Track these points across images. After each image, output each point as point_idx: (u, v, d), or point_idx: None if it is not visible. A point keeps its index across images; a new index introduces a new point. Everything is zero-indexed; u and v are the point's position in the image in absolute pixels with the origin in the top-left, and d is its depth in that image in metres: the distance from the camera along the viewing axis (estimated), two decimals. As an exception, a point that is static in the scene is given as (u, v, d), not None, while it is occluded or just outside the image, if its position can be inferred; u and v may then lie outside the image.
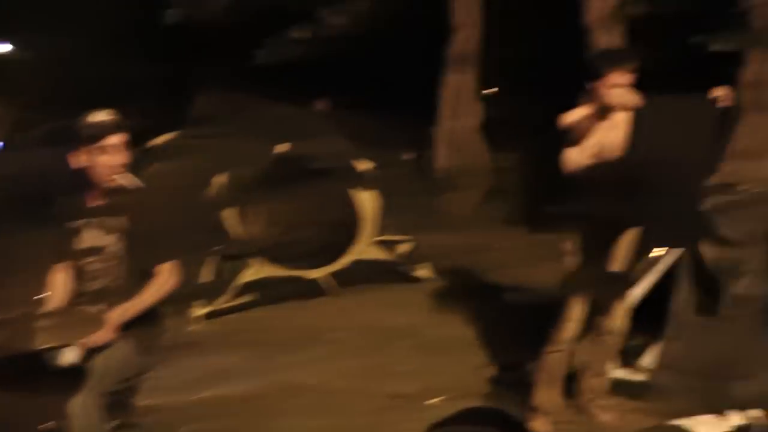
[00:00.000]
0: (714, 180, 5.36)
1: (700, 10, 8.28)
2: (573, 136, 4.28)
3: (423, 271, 8.06)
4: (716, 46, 7.81)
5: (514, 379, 5.36)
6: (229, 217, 7.28)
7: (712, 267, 5.10)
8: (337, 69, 22.68)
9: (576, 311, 4.49)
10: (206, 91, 16.22)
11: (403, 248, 8.01)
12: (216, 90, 16.86)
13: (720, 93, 4.31)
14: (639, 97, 3.98)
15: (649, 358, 5.09)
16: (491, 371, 5.65)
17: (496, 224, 10.84)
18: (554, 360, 4.56)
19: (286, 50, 10.72)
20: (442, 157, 11.56)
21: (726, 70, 9.23)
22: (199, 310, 6.96)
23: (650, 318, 5.36)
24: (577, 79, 4.55)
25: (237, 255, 7.19)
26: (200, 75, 16.68)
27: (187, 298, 6.95)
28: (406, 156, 12.15)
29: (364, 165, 8.09)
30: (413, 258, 8.04)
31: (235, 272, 7.15)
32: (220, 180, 7.26)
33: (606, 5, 9.85)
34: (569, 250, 4.53)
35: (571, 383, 4.74)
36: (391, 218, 8.05)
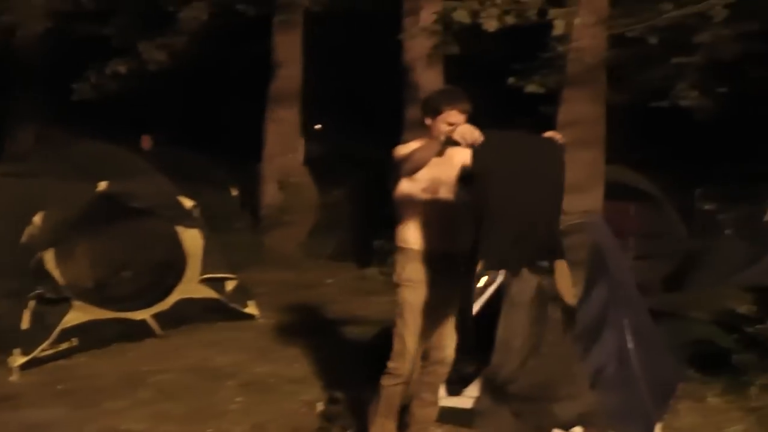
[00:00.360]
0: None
1: (514, 53, 8.70)
2: (406, 169, 4.37)
3: (250, 309, 7.96)
4: (531, 88, 8.21)
5: (345, 413, 5.37)
6: (48, 258, 6.87)
7: (538, 293, 5.29)
8: (159, 105, 22.23)
9: (411, 343, 4.51)
10: (22, 126, 15.54)
11: (230, 286, 7.87)
12: (32, 125, 16.17)
13: (554, 133, 4.55)
14: (478, 133, 4.10)
15: (476, 386, 5.20)
16: (321, 406, 5.63)
17: (324, 260, 10.91)
18: (392, 392, 4.56)
19: (105, 84, 10.32)
20: (269, 194, 11.49)
21: (541, 109, 9.81)
22: (17, 360, 6.48)
23: (478, 345, 5.55)
24: (399, 116, 4.69)
25: (58, 298, 6.78)
26: (15, 109, 15.86)
27: (2, 347, 6.48)
28: (232, 192, 11.98)
29: (187, 203, 7.91)
30: (240, 296, 7.92)
31: (56, 317, 6.73)
32: (37, 220, 6.85)
33: (424, 46, 10.17)
34: (403, 283, 4.52)
35: (402, 413, 4.78)
36: (216, 256, 7.89)
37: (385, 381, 4.57)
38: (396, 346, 4.54)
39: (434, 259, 4.51)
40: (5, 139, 15.64)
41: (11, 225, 7.02)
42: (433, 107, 4.46)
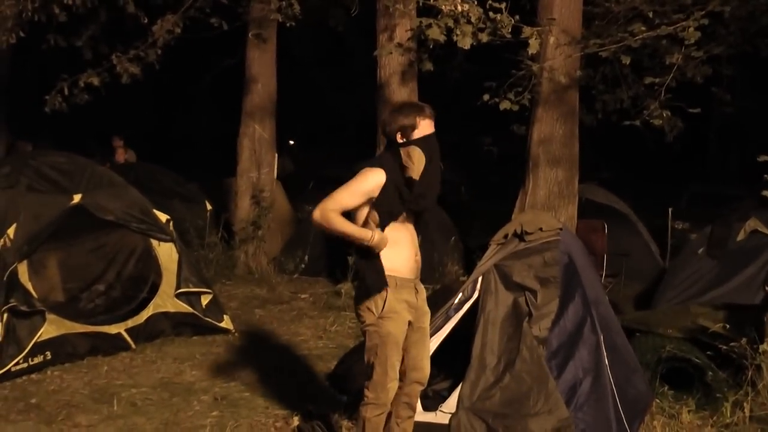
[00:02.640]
0: (511, 228, 5.68)
1: (488, 71, 8.78)
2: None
3: (225, 323, 7.93)
4: (504, 105, 8.29)
5: (320, 427, 5.37)
6: (22, 271, 6.80)
7: (513, 310, 5.34)
8: (131, 119, 22.13)
9: (393, 374, 4.44)
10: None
11: (205, 300, 7.83)
12: (2, 136, 15.99)
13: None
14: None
15: (451, 402, 5.23)
16: (296, 421, 5.62)
17: (297, 275, 10.91)
18: (376, 423, 4.47)
19: (77, 96, 10.23)
20: (242, 209, 11.44)
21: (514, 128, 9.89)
22: (-14, 374, 6.40)
23: (452, 362, 5.58)
24: (373, 132, 4.67)
25: (31, 311, 6.71)
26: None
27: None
28: (206, 207, 11.92)
29: (162, 217, 7.88)
30: (215, 310, 7.89)
31: (29, 330, 6.66)
32: (10, 233, 6.78)
33: (398, 63, 10.22)
34: (386, 315, 4.39)
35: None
36: (191, 270, 7.85)
37: (368, 412, 4.45)
38: (376, 377, 4.42)
39: (410, 281, 4.47)
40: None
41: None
42: (407, 123, 4.42)
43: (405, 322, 4.43)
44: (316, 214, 4.29)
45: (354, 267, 9.54)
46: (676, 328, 6.15)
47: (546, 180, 9.21)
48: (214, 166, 15.13)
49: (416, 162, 4.36)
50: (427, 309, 4.64)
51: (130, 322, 7.40)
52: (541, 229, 5.61)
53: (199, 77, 21.26)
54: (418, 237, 4.56)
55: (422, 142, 4.41)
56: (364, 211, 4.37)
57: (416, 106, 4.54)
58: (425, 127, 4.44)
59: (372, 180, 4.33)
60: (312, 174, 16.41)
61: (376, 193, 4.33)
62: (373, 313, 4.37)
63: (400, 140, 4.42)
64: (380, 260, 4.33)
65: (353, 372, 6.01)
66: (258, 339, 7.94)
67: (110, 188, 7.71)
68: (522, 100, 8.38)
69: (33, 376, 6.61)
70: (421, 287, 4.60)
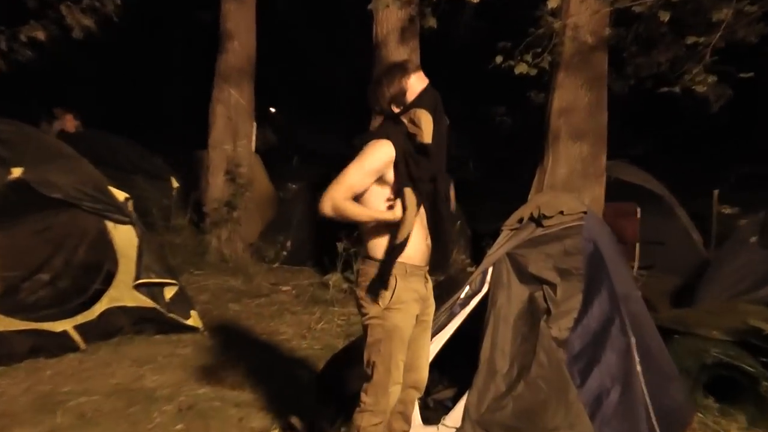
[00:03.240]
0: (526, 211, 5.63)
1: (501, 29, 8.70)
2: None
3: (192, 320, 7.89)
4: (520, 69, 8.21)
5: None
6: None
7: (528, 307, 5.30)
8: (86, 80, 22.02)
9: (398, 375, 4.41)
10: None
11: (169, 293, 7.78)
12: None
13: None
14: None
15: (456, 413, 5.18)
16: (273, 435, 5.60)
17: (279, 264, 10.92)
18: (374, 430, 4.43)
19: (19, 53, 10.09)
20: (215, 186, 11.38)
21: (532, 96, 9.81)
22: None
23: (456, 367, 5.53)
24: (363, 102, 4.64)
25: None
26: None
27: None
28: (172, 184, 11.88)
29: (119, 195, 7.81)
30: (181, 304, 7.84)
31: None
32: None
33: (397, 18, 10.15)
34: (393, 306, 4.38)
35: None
36: (153, 257, 7.80)
37: (365, 421, 4.41)
38: (377, 378, 4.39)
39: (420, 269, 4.47)
40: None
41: None
42: (396, 90, 4.44)
43: (413, 315, 4.46)
44: (325, 206, 4.29)
45: (342, 255, 9.53)
46: (722, 329, 6.09)
47: (568, 156, 9.15)
48: (183, 136, 15.06)
49: (424, 125, 4.36)
50: (433, 300, 4.67)
51: (80, 318, 7.34)
52: (561, 212, 5.60)
53: (168, 33, 21.20)
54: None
55: (421, 101, 4.42)
56: (372, 191, 4.38)
57: (394, 68, 4.56)
58: (416, 83, 4.46)
59: (382, 154, 4.35)
60: (297, 147, 16.38)
61: (387, 170, 4.35)
62: (378, 303, 4.38)
63: (396, 110, 4.46)
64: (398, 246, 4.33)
65: (343, 376, 5.96)
66: (231, 338, 7.91)
67: (59, 161, 7.65)
68: (541, 63, 8.32)
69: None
70: (428, 277, 4.60)
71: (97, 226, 7.80)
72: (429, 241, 4.51)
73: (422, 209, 4.45)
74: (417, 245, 4.41)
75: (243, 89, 11.78)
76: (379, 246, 4.41)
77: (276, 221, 11.57)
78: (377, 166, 4.32)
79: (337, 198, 4.26)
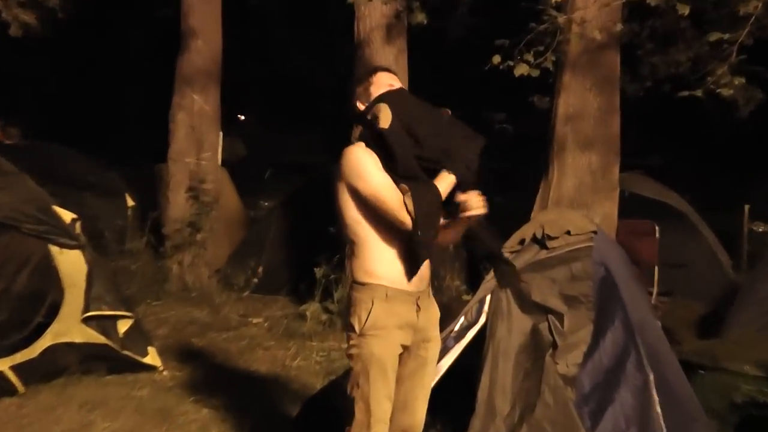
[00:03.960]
0: (529, 231, 5.63)
1: (499, 25, 8.70)
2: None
3: (150, 358, 7.84)
4: (521, 70, 8.23)
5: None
6: None
7: (532, 339, 5.29)
8: (26, 85, 21.99)
9: (380, 411, 4.40)
10: None
11: (123, 327, 7.73)
12: None
13: None
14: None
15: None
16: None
17: (249, 292, 10.91)
18: None
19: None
20: (176, 204, 11.35)
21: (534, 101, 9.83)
22: None
23: (451, 408, 5.51)
24: (344, 109, 4.74)
25: None
26: None
27: None
28: (127, 202, 11.85)
29: (66, 215, 7.78)
30: (137, 340, 7.79)
31: None
32: None
33: (382, 14, 10.16)
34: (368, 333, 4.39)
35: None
36: (105, 286, 7.74)
37: None
38: (358, 416, 4.40)
39: (409, 294, 4.46)
40: None
41: None
42: (362, 87, 4.62)
43: (396, 344, 4.44)
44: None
45: (322, 282, 9.52)
46: (755, 363, 6.09)
47: (576, 168, 9.17)
48: (140, 147, 15.05)
49: (382, 113, 4.43)
50: (435, 335, 4.66)
51: (19, 357, 7.24)
52: (568, 232, 5.63)
53: (122, 31, 21.20)
54: None
55: (383, 98, 4.52)
56: (356, 199, 4.43)
57: (366, 68, 4.79)
58: (379, 82, 4.60)
59: (366, 157, 4.43)
60: (270, 159, 16.39)
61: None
62: (355, 330, 4.42)
63: (362, 108, 4.59)
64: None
65: (322, 420, 5.95)
66: (195, 378, 7.87)
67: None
68: (544, 64, 8.33)
69: None
70: (431, 304, 4.62)
71: (40, 251, 7.69)
72: (426, 266, 4.52)
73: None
74: (398, 265, 4.42)
75: (208, 94, 11.77)
76: (361, 266, 4.44)
77: (246, 244, 11.55)
78: (378, 169, 4.39)
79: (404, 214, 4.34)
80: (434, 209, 4.36)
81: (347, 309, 4.51)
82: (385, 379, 4.40)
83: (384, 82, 4.57)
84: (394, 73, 4.68)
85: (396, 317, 4.40)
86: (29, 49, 12.70)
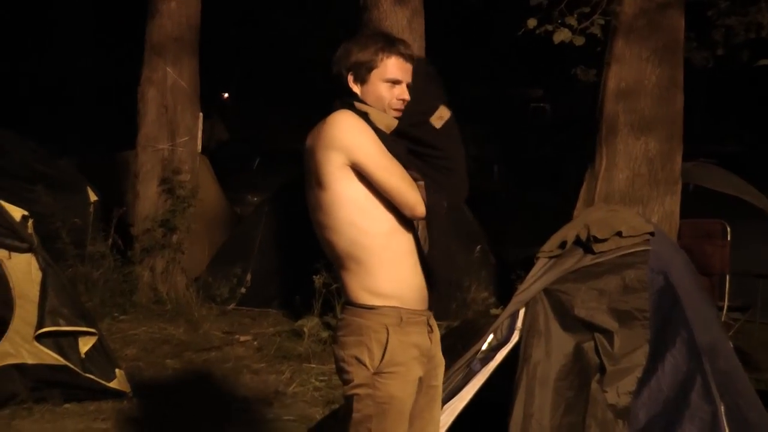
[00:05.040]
0: (571, 232, 5.64)
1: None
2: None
3: (117, 383, 7.87)
4: (562, 37, 8.24)
5: None
6: None
7: (575, 363, 5.29)
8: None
9: None
10: None
11: (85, 345, 7.77)
12: None
13: None
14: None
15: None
16: None
17: (234, 305, 10.94)
18: None
19: None
20: (146, 199, 11.38)
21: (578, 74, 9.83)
22: None
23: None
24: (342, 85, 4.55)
25: None
26: None
27: None
28: (89, 198, 11.86)
29: (15, 212, 7.82)
30: (101, 361, 7.82)
31: None
32: None
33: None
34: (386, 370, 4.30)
35: None
36: (63, 297, 7.78)
37: None
38: None
39: (422, 315, 4.44)
40: None
41: None
42: (362, 60, 4.40)
43: (414, 381, 4.39)
44: (421, 210, 4.30)
45: (321, 293, 9.54)
46: None
47: (629, 156, 9.19)
48: (101, 132, 15.08)
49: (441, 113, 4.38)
50: (441, 358, 4.60)
51: (-38, 381, 7.32)
52: (619, 233, 5.60)
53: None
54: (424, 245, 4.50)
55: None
56: (353, 185, 4.30)
57: (383, 36, 4.54)
58: (391, 69, 4.39)
59: (363, 123, 4.29)
60: (257, 146, 16.42)
61: None
62: (365, 366, 4.32)
63: (352, 85, 4.40)
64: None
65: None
66: (170, 407, 7.89)
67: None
68: (591, 29, 8.32)
69: None
70: (434, 323, 4.55)
71: (-14, 255, 7.80)
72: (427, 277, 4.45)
73: (413, 230, 4.41)
74: (410, 280, 4.38)
75: (183, 67, 11.79)
76: (365, 286, 4.33)
77: (230, 247, 11.59)
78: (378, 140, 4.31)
79: (419, 200, 4.28)
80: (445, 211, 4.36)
81: (344, 336, 4.38)
82: (402, 424, 4.36)
83: (389, 74, 4.37)
84: (410, 58, 4.45)
85: (413, 348, 4.36)
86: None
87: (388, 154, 4.21)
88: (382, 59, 4.36)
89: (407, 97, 4.33)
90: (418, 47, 10.14)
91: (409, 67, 4.39)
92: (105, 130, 15.06)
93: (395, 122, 4.33)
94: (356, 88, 4.37)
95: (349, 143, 4.19)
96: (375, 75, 4.36)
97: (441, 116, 4.36)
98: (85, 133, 17.56)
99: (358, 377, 4.32)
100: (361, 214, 4.26)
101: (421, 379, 4.42)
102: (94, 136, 16.09)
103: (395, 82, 4.32)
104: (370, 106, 4.32)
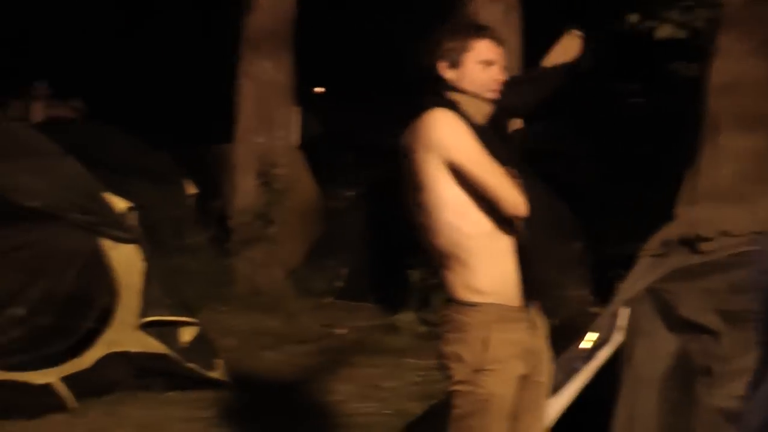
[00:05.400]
0: (675, 231, 5.59)
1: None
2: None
3: (216, 372, 7.95)
4: (663, 33, 8.16)
5: None
6: None
7: (680, 363, 5.25)
8: (63, 52, 22.24)
9: None
10: None
11: (187, 335, 7.86)
12: None
13: None
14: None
15: None
16: None
17: (329, 298, 11.01)
18: None
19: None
20: (244, 192, 11.44)
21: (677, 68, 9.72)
22: None
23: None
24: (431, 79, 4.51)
25: None
26: None
27: None
28: (186, 190, 11.96)
29: (119, 204, 7.92)
30: (202, 351, 7.92)
31: None
32: None
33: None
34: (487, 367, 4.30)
35: None
36: (163, 288, 7.89)
37: None
38: None
39: (523, 311, 4.42)
40: None
41: None
42: (455, 45, 4.36)
43: (515, 379, 4.37)
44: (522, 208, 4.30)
45: (418, 287, 9.52)
46: None
47: (734, 152, 9.04)
48: (200, 125, 15.18)
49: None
50: (549, 354, 4.60)
51: (69, 368, 7.42)
52: (725, 232, 5.51)
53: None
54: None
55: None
56: (453, 186, 4.28)
57: (472, 23, 4.58)
58: (485, 50, 4.37)
59: (459, 121, 4.26)
60: (349, 140, 16.43)
61: None
62: (466, 362, 4.33)
63: (446, 72, 4.35)
64: None
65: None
66: (267, 398, 7.95)
67: (36, 160, 7.78)
68: (694, 22, 8.21)
69: None
70: (540, 319, 4.54)
71: (90, 246, 7.86)
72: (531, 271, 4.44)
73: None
74: (511, 277, 4.36)
75: (279, 60, 11.84)
76: (466, 283, 4.32)
77: (326, 240, 11.59)
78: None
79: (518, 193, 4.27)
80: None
81: (446, 333, 4.38)
82: (502, 422, 4.34)
83: (487, 53, 4.36)
84: (501, 42, 4.44)
85: (514, 345, 4.34)
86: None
87: (486, 152, 4.19)
88: (474, 42, 4.35)
89: (503, 77, 4.32)
90: (514, 42, 10.12)
91: (500, 50, 4.37)
92: (201, 123, 15.12)
93: (488, 108, 4.32)
94: (450, 74, 4.33)
95: (447, 143, 4.18)
96: (468, 58, 4.33)
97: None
98: (183, 126, 17.70)
99: (459, 374, 4.33)
100: (462, 216, 4.25)
101: (526, 376, 4.40)
102: (191, 129, 16.19)
103: (489, 63, 4.30)
104: (465, 93, 4.30)
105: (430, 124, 4.22)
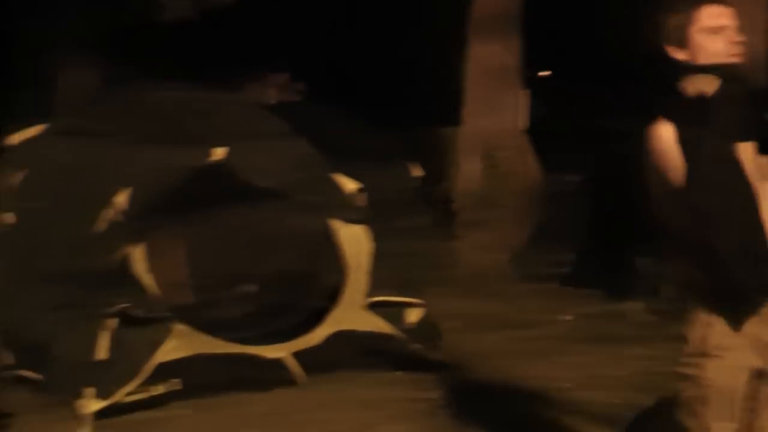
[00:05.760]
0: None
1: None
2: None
3: (437, 354, 7.98)
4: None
5: None
6: (138, 257, 7.10)
7: None
8: (289, 29, 22.61)
9: None
10: (78, 61, 16.00)
11: (412, 316, 7.90)
12: (93, 59, 16.68)
13: None
14: None
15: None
16: None
17: (552, 284, 10.92)
18: None
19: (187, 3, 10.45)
20: (468, 175, 11.43)
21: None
22: (90, 404, 6.73)
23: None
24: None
25: (148, 318, 7.01)
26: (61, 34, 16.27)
27: (72, 385, 6.73)
28: (410, 172, 12.02)
29: (349, 185, 8.00)
30: (426, 332, 7.95)
31: (147, 345, 6.96)
32: (120, 201, 7.10)
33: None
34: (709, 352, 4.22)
35: None
36: (391, 269, 7.94)
37: None
38: None
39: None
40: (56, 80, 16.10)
41: (69, 208, 7.38)
42: (675, 22, 4.19)
43: (743, 369, 4.25)
44: None
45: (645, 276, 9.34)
46: None
47: None
48: (422, 107, 15.21)
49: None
50: None
51: (299, 343, 7.59)
52: None
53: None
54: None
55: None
56: None
57: None
58: (709, 18, 4.18)
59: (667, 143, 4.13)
60: (574, 124, 16.25)
61: None
62: (693, 347, 4.26)
63: (676, 54, 4.20)
64: None
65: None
66: (489, 382, 7.93)
67: (269, 140, 7.95)
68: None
69: (151, 413, 6.91)
70: None
71: (318, 226, 8.00)
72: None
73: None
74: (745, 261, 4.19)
75: (508, 44, 11.76)
76: None
77: (549, 225, 11.48)
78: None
79: None
80: None
81: (683, 315, 4.32)
82: (725, 413, 4.24)
83: (713, 20, 4.15)
84: (725, 2, 4.22)
85: (742, 335, 4.21)
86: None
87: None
88: (696, 12, 4.16)
89: (739, 38, 4.14)
90: (756, 18, 9.74)
91: (726, 10, 4.17)
92: (427, 105, 15.15)
93: (716, 83, 4.12)
94: (682, 55, 4.17)
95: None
96: (694, 31, 4.15)
97: None
98: (409, 108, 17.79)
99: (686, 357, 4.29)
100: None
101: (764, 371, 4.29)
102: (417, 112, 16.25)
103: (719, 30, 4.12)
104: (703, 69, 4.13)
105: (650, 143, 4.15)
